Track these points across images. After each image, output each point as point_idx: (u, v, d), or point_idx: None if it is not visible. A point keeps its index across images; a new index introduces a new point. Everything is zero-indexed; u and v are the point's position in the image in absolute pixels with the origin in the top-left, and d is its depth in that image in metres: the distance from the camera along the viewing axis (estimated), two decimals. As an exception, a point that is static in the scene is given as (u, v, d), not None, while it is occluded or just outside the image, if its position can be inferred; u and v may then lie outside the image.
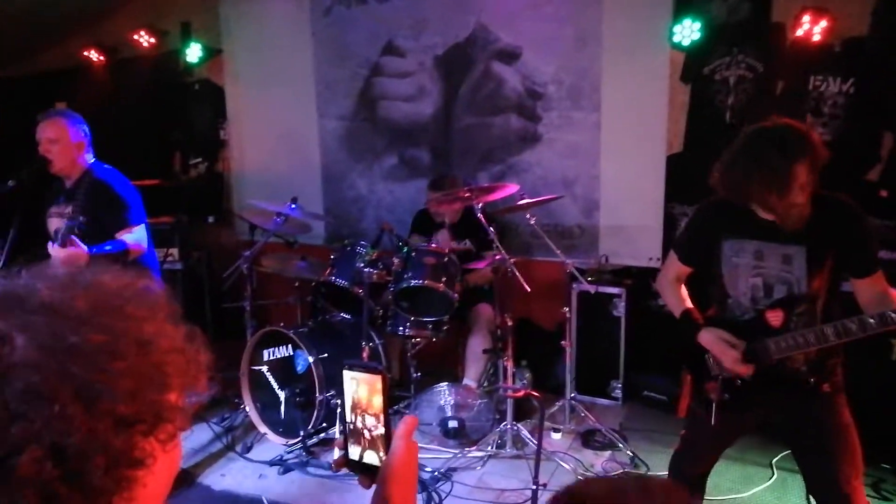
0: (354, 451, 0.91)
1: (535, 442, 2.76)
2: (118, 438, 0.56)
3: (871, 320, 1.87)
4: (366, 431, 0.89)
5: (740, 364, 2.05)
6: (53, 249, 2.72)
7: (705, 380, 2.20)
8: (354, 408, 0.90)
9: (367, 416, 0.89)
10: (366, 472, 0.90)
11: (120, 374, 0.56)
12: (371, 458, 0.90)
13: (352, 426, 0.91)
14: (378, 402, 0.87)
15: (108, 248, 2.80)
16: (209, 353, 0.67)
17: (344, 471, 0.94)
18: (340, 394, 3.01)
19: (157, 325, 0.62)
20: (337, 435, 3.50)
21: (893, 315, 1.83)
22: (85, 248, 2.67)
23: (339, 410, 3.45)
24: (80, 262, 2.68)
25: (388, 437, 0.88)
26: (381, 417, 0.87)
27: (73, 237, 2.67)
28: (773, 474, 3.20)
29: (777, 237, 2.04)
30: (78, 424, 0.53)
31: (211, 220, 5.50)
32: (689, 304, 2.28)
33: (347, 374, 0.89)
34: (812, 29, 3.60)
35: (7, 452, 0.51)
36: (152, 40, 5.42)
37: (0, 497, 0.52)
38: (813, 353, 2.04)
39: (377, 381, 0.87)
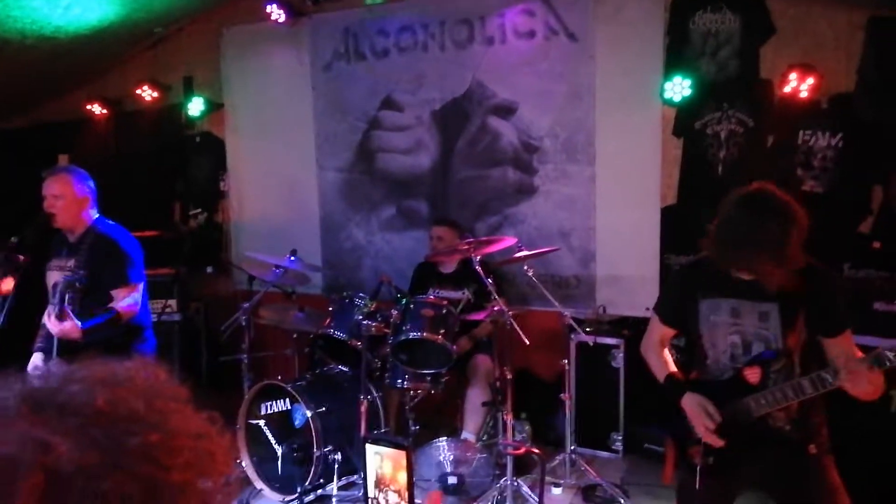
0: None
1: (536, 499, 2.72)
2: None
3: (841, 371, 1.91)
4: None
5: (712, 435, 2.08)
6: (50, 321, 2.73)
7: (689, 444, 2.20)
8: (378, 483, 0.89)
9: (390, 491, 0.88)
10: None
11: (179, 468, 0.59)
12: None
13: (375, 502, 0.90)
14: (402, 478, 0.87)
15: (99, 321, 2.79)
16: (229, 435, 0.68)
17: None
18: (340, 451, 2.94)
19: (188, 414, 0.65)
20: (335, 493, 3.43)
21: (887, 357, 1.85)
22: (78, 323, 2.69)
23: (332, 467, 3.41)
24: (74, 336, 2.69)
25: None
26: (405, 494, 0.87)
27: (69, 310, 2.68)
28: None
29: (753, 295, 2.10)
30: None
31: (209, 270, 5.52)
32: (673, 367, 2.32)
33: (371, 449, 0.89)
34: (799, 86, 3.71)
35: None
36: (155, 94, 5.53)
37: None
38: (795, 411, 2.07)
39: (402, 457, 0.87)
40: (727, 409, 2.10)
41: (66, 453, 0.55)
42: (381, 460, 0.88)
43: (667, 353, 2.36)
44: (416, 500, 0.91)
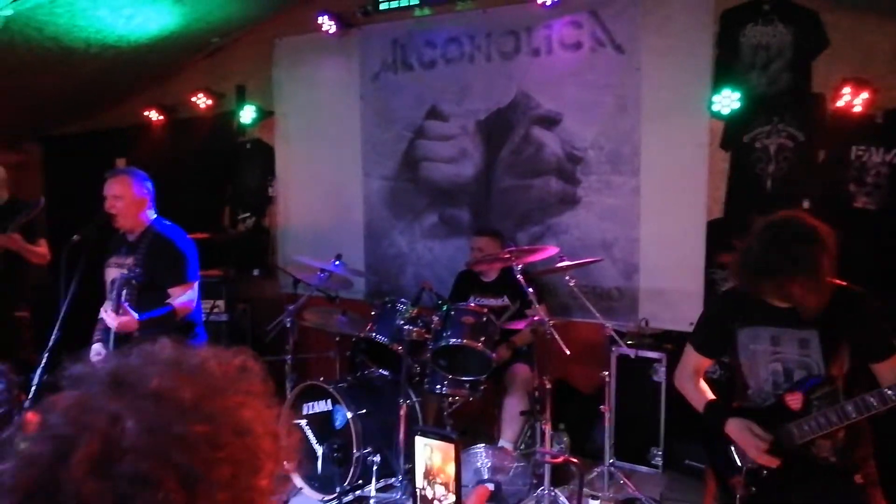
0: None
1: (574, 509, 2.71)
2: None
3: (890, 392, 1.88)
4: (436, 502, 0.89)
5: (766, 455, 2.03)
6: (107, 315, 2.84)
7: (730, 474, 2.16)
8: (427, 475, 0.90)
9: (437, 483, 0.89)
10: None
11: (220, 463, 0.59)
12: None
13: (422, 492, 0.91)
14: (451, 470, 0.88)
15: (156, 314, 2.91)
16: (297, 432, 0.70)
17: None
18: (379, 453, 2.99)
19: (254, 408, 0.65)
20: (374, 494, 3.48)
21: None
22: (136, 315, 2.79)
23: (371, 468, 3.45)
24: (131, 329, 2.81)
25: None
26: (452, 486, 0.88)
27: (126, 305, 2.79)
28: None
29: (791, 323, 2.09)
30: None
31: (256, 273, 5.66)
32: (711, 395, 2.29)
33: (420, 441, 0.91)
34: (853, 100, 3.63)
35: None
36: (209, 102, 5.73)
37: None
38: (841, 441, 2.02)
39: (451, 449, 0.88)
40: (775, 439, 2.06)
41: (129, 428, 0.57)
42: (431, 452, 0.91)
43: (703, 384, 2.34)
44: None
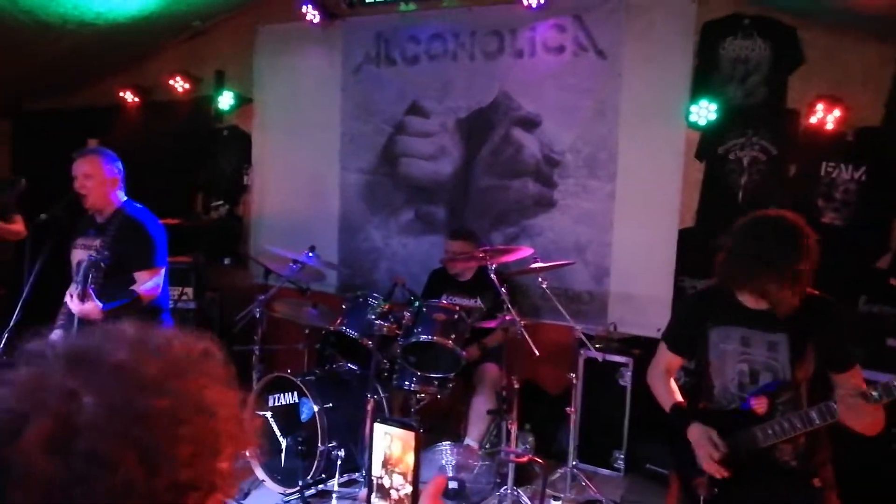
0: None
1: (536, 509, 2.73)
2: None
3: (850, 399, 1.92)
4: (393, 491, 0.88)
5: (714, 465, 2.07)
6: (72, 302, 2.79)
7: (693, 475, 2.20)
8: (385, 464, 0.89)
9: (395, 473, 0.88)
10: None
11: (181, 441, 0.57)
12: None
13: (379, 482, 0.90)
14: (410, 459, 0.87)
15: (119, 304, 2.86)
16: (259, 418, 0.68)
17: None
18: (344, 447, 2.96)
19: (216, 391, 0.64)
20: (336, 489, 3.46)
21: (873, 392, 1.87)
22: (99, 304, 2.75)
23: (335, 462, 3.44)
24: (94, 317, 2.75)
25: (415, 497, 0.88)
26: (410, 476, 0.87)
27: (91, 290, 2.74)
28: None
29: (762, 325, 2.12)
30: (140, 488, 0.54)
31: (227, 261, 5.59)
32: (678, 397, 2.32)
33: (380, 428, 0.90)
34: (825, 117, 3.71)
35: None
36: (187, 86, 5.64)
37: None
38: (802, 445, 2.07)
39: (411, 437, 0.87)
40: (733, 439, 2.10)
41: (87, 405, 0.55)
42: (391, 441, 0.89)
43: (673, 383, 2.37)
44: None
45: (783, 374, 2.10)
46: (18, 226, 3.96)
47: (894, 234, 3.72)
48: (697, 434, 2.15)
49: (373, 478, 0.90)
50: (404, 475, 0.87)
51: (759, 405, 2.08)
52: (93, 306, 2.74)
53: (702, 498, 2.15)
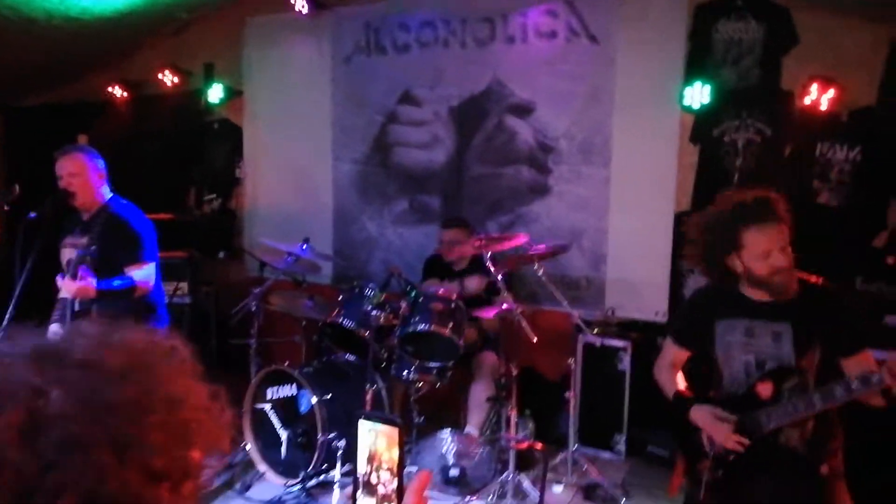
0: None
1: (538, 494, 2.74)
2: (148, 491, 0.57)
3: (854, 382, 1.92)
4: (380, 486, 0.88)
5: (732, 436, 2.07)
6: (64, 282, 2.76)
7: (698, 458, 2.20)
8: (370, 460, 0.89)
9: (381, 469, 0.88)
10: None
11: (151, 428, 0.58)
12: None
13: (365, 478, 0.89)
14: (395, 455, 0.86)
15: (116, 283, 2.85)
16: (231, 413, 0.68)
17: None
18: (344, 438, 2.96)
19: (185, 383, 0.64)
20: (338, 479, 3.46)
21: (874, 376, 1.87)
22: (94, 281, 2.71)
23: (335, 453, 3.43)
24: (89, 295, 2.73)
25: (400, 492, 0.87)
26: (396, 471, 0.86)
27: (84, 268, 2.71)
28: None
29: (766, 315, 2.13)
30: (112, 474, 0.54)
31: (221, 255, 5.56)
32: (681, 386, 2.33)
33: (364, 425, 0.89)
34: (820, 98, 3.70)
35: (43, 501, 0.52)
36: (176, 79, 5.58)
37: None
38: (810, 431, 2.06)
39: (395, 433, 0.87)
40: (739, 422, 2.10)
41: (55, 398, 0.56)
42: (376, 437, 0.89)
43: (679, 376, 2.39)
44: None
45: (789, 362, 2.10)
46: None
47: (890, 213, 3.72)
48: (702, 414, 2.15)
49: (358, 476, 0.90)
50: (390, 470, 0.86)
51: (765, 389, 2.09)
52: (86, 284, 2.70)
53: (705, 481, 2.15)
